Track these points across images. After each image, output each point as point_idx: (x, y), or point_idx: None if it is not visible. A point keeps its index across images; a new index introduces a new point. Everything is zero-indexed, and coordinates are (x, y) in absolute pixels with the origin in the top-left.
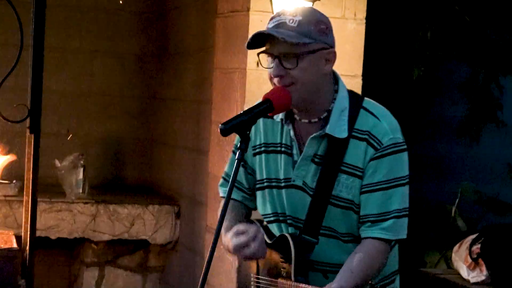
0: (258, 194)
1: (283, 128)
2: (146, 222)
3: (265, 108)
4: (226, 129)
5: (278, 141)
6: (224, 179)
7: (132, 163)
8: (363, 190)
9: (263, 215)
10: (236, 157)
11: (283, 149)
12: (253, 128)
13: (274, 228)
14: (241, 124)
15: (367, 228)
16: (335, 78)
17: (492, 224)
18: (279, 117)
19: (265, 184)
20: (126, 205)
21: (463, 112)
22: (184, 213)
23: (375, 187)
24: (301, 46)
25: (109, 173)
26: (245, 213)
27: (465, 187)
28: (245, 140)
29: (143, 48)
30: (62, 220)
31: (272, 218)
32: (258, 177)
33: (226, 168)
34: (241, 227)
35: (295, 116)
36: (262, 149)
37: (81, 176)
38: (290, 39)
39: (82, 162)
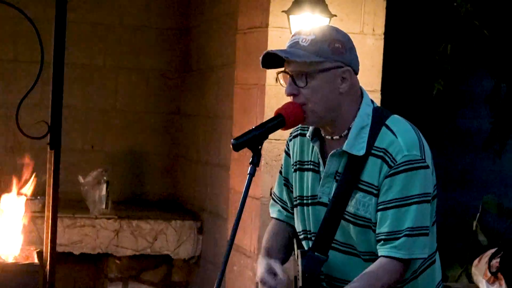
0: (294, 211)
1: (313, 146)
2: (169, 237)
3: (277, 123)
4: (238, 144)
5: (309, 158)
6: (273, 199)
7: (155, 178)
8: (379, 208)
9: (298, 232)
10: (248, 172)
11: (311, 166)
12: (291, 145)
13: (305, 246)
14: (252, 139)
15: (380, 246)
16: (361, 96)
17: None
18: (308, 134)
19: (298, 201)
20: (149, 220)
21: (487, 126)
22: (207, 228)
23: (389, 204)
24: (313, 64)
25: (132, 189)
26: (291, 232)
27: (487, 200)
28: (257, 154)
29: (166, 65)
30: (86, 235)
31: (302, 236)
32: (294, 194)
33: (274, 188)
34: (267, 279)
35: (322, 133)
36: (297, 166)
37: (104, 191)
38: (295, 58)
39: (105, 178)
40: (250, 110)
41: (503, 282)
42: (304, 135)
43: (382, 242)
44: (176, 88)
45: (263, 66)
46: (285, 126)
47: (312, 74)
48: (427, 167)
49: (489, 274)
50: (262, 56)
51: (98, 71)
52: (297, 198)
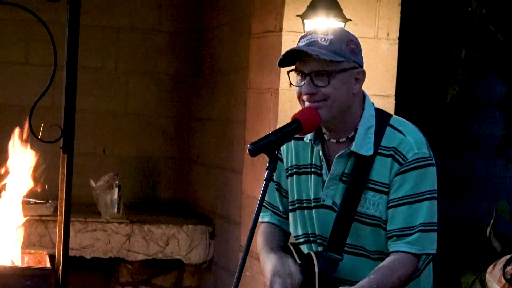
0: (290, 216)
1: (313, 149)
2: (181, 242)
3: (294, 128)
4: (255, 150)
5: (309, 162)
6: (264, 206)
7: (167, 182)
8: (389, 205)
9: (295, 236)
10: (265, 177)
11: (313, 169)
12: (285, 150)
13: (305, 249)
14: (269, 145)
15: (392, 242)
16: (363, 97)
17: None
18: (308, 137)
19: (296, 205)
20: (161, 225)
21: (500, 131)
22: (219, 232)
23: (400, 201)
24: (333, 64)
25: (144, 193)
26: (284, 238)
27: (500, 206)
28: (273, 160)
29: (178, 68)
30: (97, 240)
31: (302, 239)
32: (290, 199)
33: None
34: (280, 270)
35: (325, 136)
36: (294, 170)
37: (116, 196)
38: (324, 56)
39: (117, 182)
40: (263, 114)
41: None
42: (298, 139)
43: (394, 238)
44: (188, 92)
45: (279, 65)
46: (301, 131)
47: (333, 74)
48: (434, 164)
49: (503, 281)
50: (284, 53)
51: (109, 74)
52: (295, 202)
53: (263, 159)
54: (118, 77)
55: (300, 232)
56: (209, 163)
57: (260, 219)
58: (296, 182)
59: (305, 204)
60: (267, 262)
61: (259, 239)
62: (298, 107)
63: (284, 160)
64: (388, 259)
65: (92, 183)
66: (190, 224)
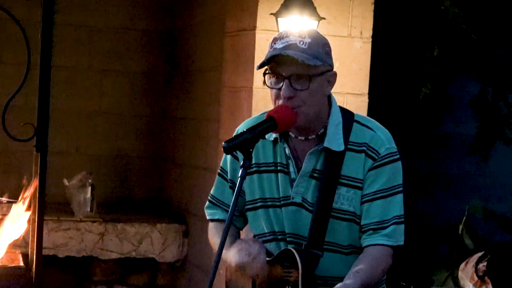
0: (250, 214)
1: (275, 147)
2: (154, 241)
3: (269, 126)
4: (229, 147)
5: (272, 160)
6: (210, 201)
7: (141, 181)
8: (364, 200)
9: (257, 235)
10: (239, 175)
11: (278, 168)
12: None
13: (271, 247)
14: (244, 142)
15: (368, 236)
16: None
17: (499, 242)
18: (272, 136)
19: (259, 204)
20: (134, 223)
21: (473, 130)
22: (193, 231)
23: (375, 195)
24: (312, 67)
25: (118, 192)
26: (236, 235)
27: (473, 205)
28: (248, 158)
29: (152, 67)
30: (70, 238)
31: (269, 237)
32: (249, 197)
33: (212, 191)
34: (244, 244)
35: (290, 134)
36: (254, 169)
37: (89, 194)
38: (309, 62)
39: (90, 181)
40: (237, 113)
41: (490, 286)
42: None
43: (370, 231)
44: (162, 91)
45: (258, 68)
46: (276, 129)
47: (311, 78)
48: (400, 159)
49: (476, 278)
50: (268, 57)
51: (83, 73)
52: (258, 200)
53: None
54: (92, 76)
55: (265, 230)
56: (183, 161)
57: (210, 217)
58: (257, 181)
59: (269, 203)
60: (228, 259)
61: (215, 238)
62: (272, 106)
63: (240, 158)
64: (371, 253)
65: (66, 182)
66: (163, 222)
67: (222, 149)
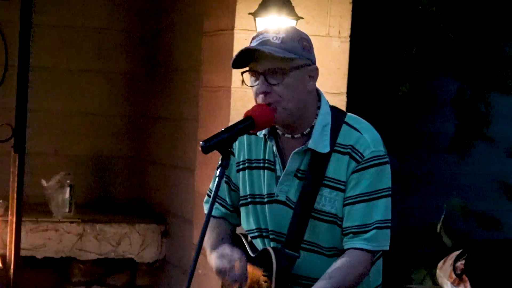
0: (242, 210)
1: (266, 144)
2: (133, 241)
3: (247, 125)
4: (207, 147)
5: (261, 157)
6: (208, 195)
7: (120, 182)
8: (346, 202)
9: (247, 230)
10: (217, 174)
11: (266, 164)
12: (237, 144)
13: (258, 243)
14: (222, 142)
15: (349, 239)
16: (318, 95)
17: (476, 240)
18: (262, 133)
19: (249, 200)
20: (113, 224)
21: (453, 128)
22: (172, 231)
23: (357, 199)
24: (286, 61)
25: (97, 192)
26: (230, 230)
27: (451, 203)
28: (226, 157)
29: (131, 67)
30: (49, 239)
31: (256, 234)
32: (241, 193)
33: (210, 185)
34: (225, 250)
35: (278, 131)
36: (246, 165)
37: (67, 195)
38: (277, 53)
39: (69, 181)
40: (216, 112)
41: (468, 284)
42: (250, 133)
43: (351, 235)
44: (142, 91)
45: (234, 66)
46: (254, 128)
47: (286, 71)
48: (389, 163)
49: (454, 276)
50: (237, 53)
51: (62, 74)
52: (248, 196)
53: (216, 157)
54: (71, 76)
55: (253, 226)
56: (163, 161)
57: (206, 210)
58: (248, 177)
59: (257, 199)
60: (210, 262)
61: (208, 230)
62: (250, 105)
63: (236, 154)
64: (346, 258)
65: (44, 182)
66: (142, 223)
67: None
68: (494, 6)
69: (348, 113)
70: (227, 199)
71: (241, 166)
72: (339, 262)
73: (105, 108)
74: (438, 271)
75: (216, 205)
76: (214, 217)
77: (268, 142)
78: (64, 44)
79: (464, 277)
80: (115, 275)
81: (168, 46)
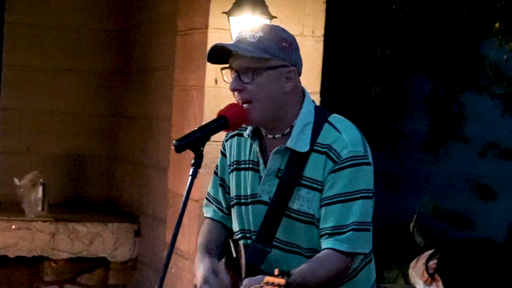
0: (232, 211)
1: (251, 145)
2: (106, 240)
3: (220, 125)
4: (180, 146)
5: (247, 158)
6: (207, 199)
7: (94, 180)
8: (322, 203)
9: (235, 232)
10: (190, 174)
11: (250, 165)
12: (228, 146)
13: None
14: (195, 141)
15: (324, 240)
16: (303, 95)
17: (449, 239)
18: (247, 133)
19: (235, 201)
20: (86, 223)
21: (426, 128)
22: (144, 230)
23: (333, 199)
24: (259, 61)
25: (71, 191)
26: (224, 236)
27: (424, 202)
28: (199, 156)
29: (105, 66)
30: (21, 238)
31: (240, 235)
32: (231, 194)
33: (209, 189)
34: (210, 278)
35: (262, 131)
36: (234, 166)
37: (40, 194)
38: (245, 52)
39: (41, 180)
40: (189, 111)
41: (440, 283)
42: (241, 135)
43: (327, 236)
44: (115, 90)
45: (209, 60)
46: (227, 128)
47: (259, 71)
48: (370, 164)
49: (426, 275)
50: (209, 49)
51: (35, 72)
52: (234, 198)
53: (189, 156)
54: (45, 75)
55: (238, 228)
56: (135, 160)
57: (204, 213)
58: (235, 178)
59: (242, 200)
60: (200, 266)
61: (200, 235)
62: (224, 104)
63: (227, 155)
64: (318, 255)
65: (16, 181)
66: (115, 222)
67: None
68: (467, 6)
69: (335, 114)
70: (223, 202)
71: (231, 168)
72: (310, 260)
73: (78, 107)
74: (410, 270)
75: (214, 208)
76: (213, 219)
77: (252, 143)
78: (37, 43)
79: (437, 276)
80: (88, 274)
81: (142, 45)
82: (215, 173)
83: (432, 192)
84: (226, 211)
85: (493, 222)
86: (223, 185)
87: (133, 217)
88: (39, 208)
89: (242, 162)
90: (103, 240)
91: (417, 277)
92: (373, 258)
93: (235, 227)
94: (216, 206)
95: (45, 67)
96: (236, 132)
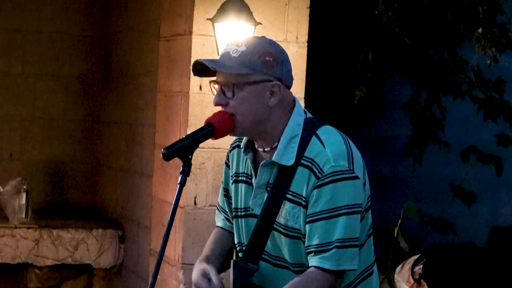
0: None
1: (246, 158)
2: (90, 247)
3: (207, 132)
4: (169, 154)
5: (244, 170)
6: (217, 208)
7: (76, 187)
8: (308, 220)
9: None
10: (179, 182)
11: (244, 178)
12: (231, 157)
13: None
14: (182, 149)
15: (311, 258)
16: (292, 107)
17: (434, 244)
18: (242, 146)
19: (234, 213)
20: (70, 229)
21: (408, 132)
22: (129, 236)
23: (317, 216)
24: (240, 76)
25: (53, 197)
26: (229, 246)
27: (408, 207)
28: (187, 164)
29: (86, 72)
30: (5, 245)
31: (238, 248)
32: (233, 206)
33: (218, 198)
34: (201, 283)
35: (255, 145)
36: (233, 178)
37: (24, 200)
38: (222, 69)
39: (25, 186)
40: (173, 118)
41: None
42: (240, 146)
43: (312, 253)
44: (97, 96)
45: (195, 74)
46: (214, 136)
47: (240, 86)
48: (355, 177)
49: (412, 281)
50: (192, 65)
51: (16, 78)
52: (233, 210)
53: (174, 163)
54: (25, 81)
55: (236, 240)
56: (119, 167)
57: (216, 222)
58: (234, 190)
59: (239, 213)
60: (194, 271)
61: (207, 243)
62: (208, 111)
63: (230, 166)
64: (303, 274)
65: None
66: (99, 228)
67: (160, 155)
68: (450, 11)
69: (326, 125)
70: (229, 213)
71: (232, 179)
72: (295, 279)
73: (60, 113)
74: (396, 276)
75: (223, 217)
76: (223, 228)
77: (245, 156)
78: (18, 48)
79: (422, 281)
80: (72, 280)
81: (124, 50)
82: (222, 182)
83: (414, 196)
84: (231, 221)
85: (474, 226)
86: (227, 195)
87: (117, 224)
88: (23, 215)
89: (240, 174)
90: (87, 246)
91: (403, 282)
92: (374, 271)
93: (235, 239)
94: (224, 216)
95: (26, 72)
96: (237, 143)
